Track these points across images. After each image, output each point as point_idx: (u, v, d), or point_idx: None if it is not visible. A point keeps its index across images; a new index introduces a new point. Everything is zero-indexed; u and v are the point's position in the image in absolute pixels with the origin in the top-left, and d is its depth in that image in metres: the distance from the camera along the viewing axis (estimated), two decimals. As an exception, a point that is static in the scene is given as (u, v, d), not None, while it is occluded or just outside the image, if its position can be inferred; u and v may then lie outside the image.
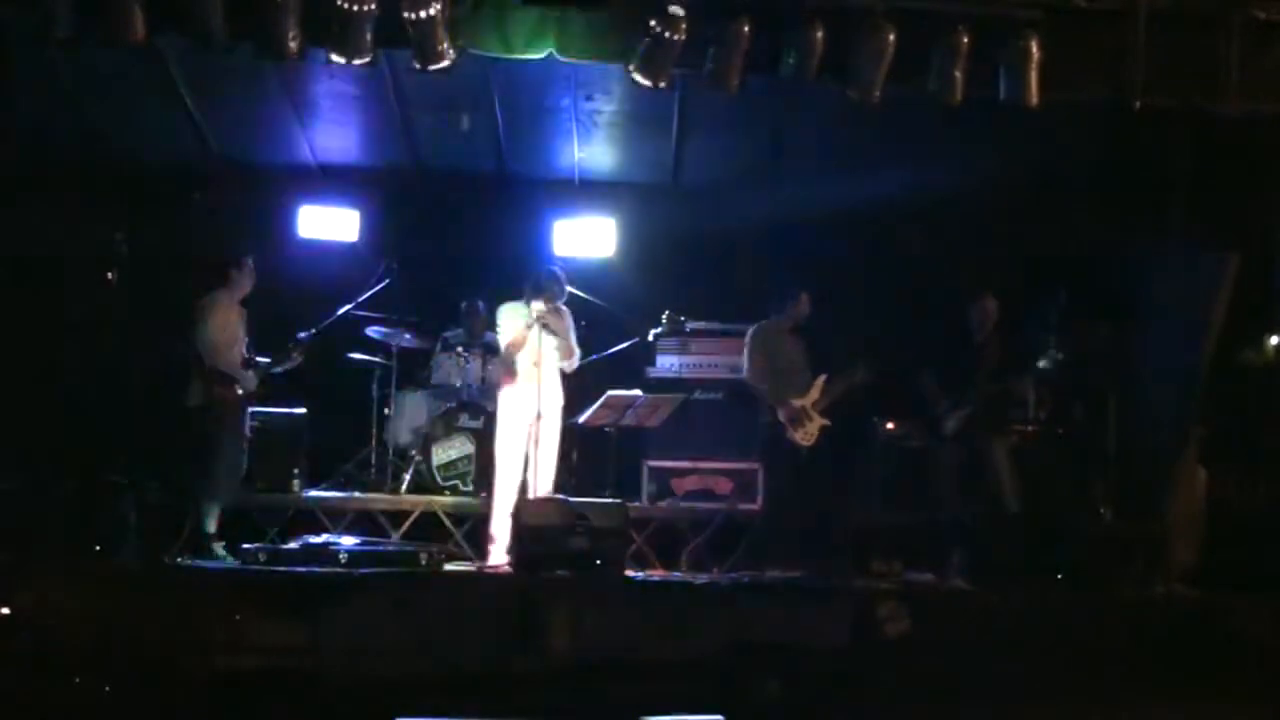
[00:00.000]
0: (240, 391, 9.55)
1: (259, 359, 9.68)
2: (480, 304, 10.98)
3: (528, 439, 9.48)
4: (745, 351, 10.23)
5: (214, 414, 9.45)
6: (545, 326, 9.45)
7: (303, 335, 9.85)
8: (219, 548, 9.38)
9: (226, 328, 9.52)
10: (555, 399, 9.66)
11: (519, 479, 9.53)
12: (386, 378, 10.99)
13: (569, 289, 9.81)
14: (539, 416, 9.43)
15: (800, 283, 10.24)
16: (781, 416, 9.94)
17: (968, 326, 10.05)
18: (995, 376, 9.81)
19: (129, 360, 10.77)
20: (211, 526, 9.45)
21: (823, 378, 10.03)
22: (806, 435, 9.93)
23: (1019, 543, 9.41)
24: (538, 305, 9.49)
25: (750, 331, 10.25)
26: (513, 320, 9.62)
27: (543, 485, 9.52)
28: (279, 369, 9.78)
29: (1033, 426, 10.02)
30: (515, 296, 9.69)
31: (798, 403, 9.93)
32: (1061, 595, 9.12)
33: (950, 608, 9.10)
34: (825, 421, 9.99)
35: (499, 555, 9.47)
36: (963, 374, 9.90)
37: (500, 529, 9.49)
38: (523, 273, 9.79)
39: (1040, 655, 8.72)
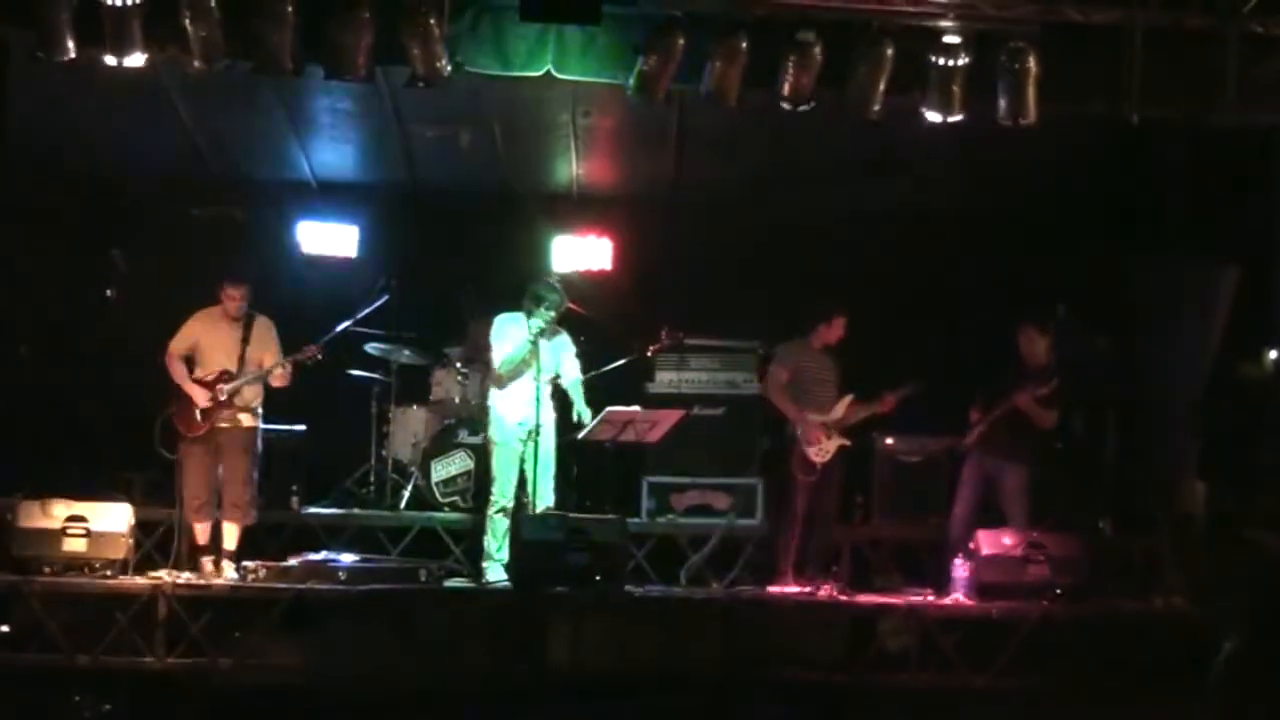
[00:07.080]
0: (196, 409, 9.29)
1: (232, 377, 9.40)
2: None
3: (522, 454, 9.47)
4: (770, 367, 10.12)
5: (175, 429, 9.33)
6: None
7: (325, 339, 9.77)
8: (227, 566, 9.34)
9: (190, 344, 9.37)
10: (550, 412, 9.62)
11: (513, 495, 9.51)
12: (386, 394, 10.98)
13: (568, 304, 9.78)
14: (536, 431, 9.43)
15: (837, 305, 10.00)
16: (800, 434, 9.87)
17: (1016, 353, 9.86)
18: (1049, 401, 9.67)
19: (127, 376, 10.77)
20: (207, 540, 9.41)
21: (849, 397, 9.96)
22: (822, 453, 9.84)
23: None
24: (541, 320, 9.45)
25: (778, 348, 10.15)
26: (511, 332, 9.57)
27: (542, 500, 9.50)
28: (295, 358, 9.47)
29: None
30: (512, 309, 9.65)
31: (818, 419, 9.87)
32: (1060, 610, 9.09)
33: (950, 623, 9.10)
34: (845, 441, 9.92)
35: (495, 571, 9.45)
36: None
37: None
38: (521, 288, 9.74)
39: (1039, 669, 8.75)
